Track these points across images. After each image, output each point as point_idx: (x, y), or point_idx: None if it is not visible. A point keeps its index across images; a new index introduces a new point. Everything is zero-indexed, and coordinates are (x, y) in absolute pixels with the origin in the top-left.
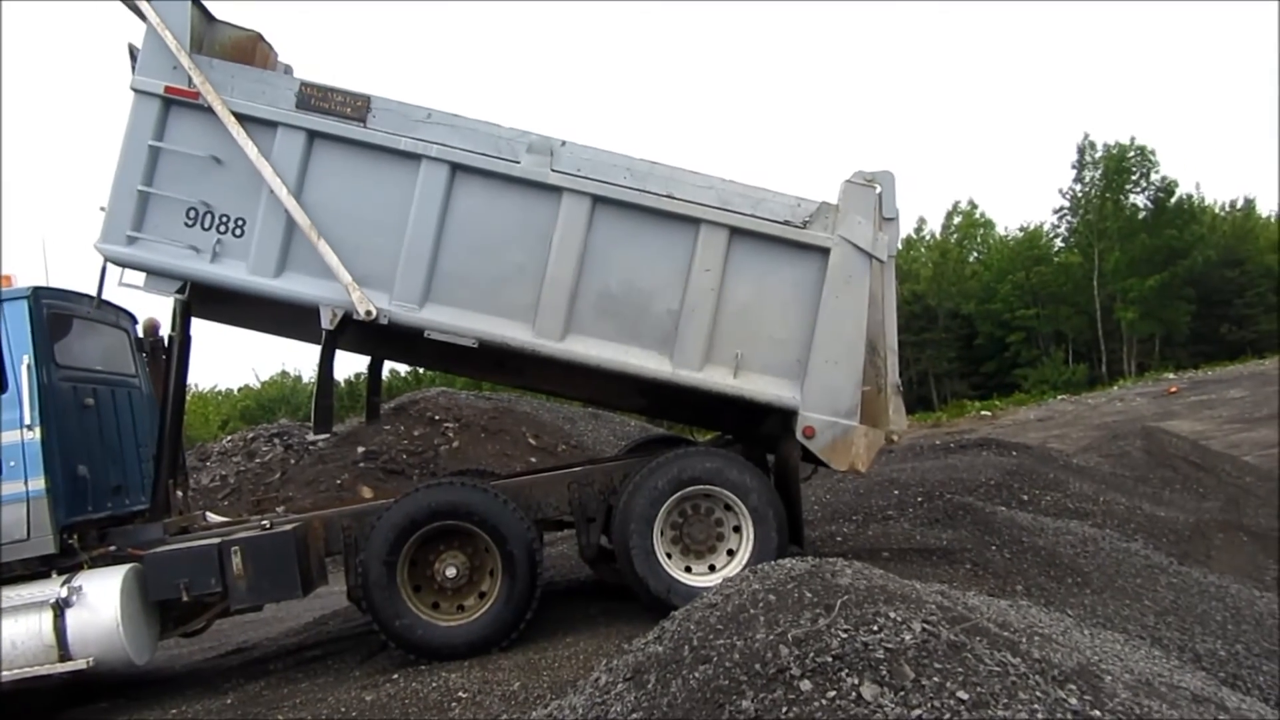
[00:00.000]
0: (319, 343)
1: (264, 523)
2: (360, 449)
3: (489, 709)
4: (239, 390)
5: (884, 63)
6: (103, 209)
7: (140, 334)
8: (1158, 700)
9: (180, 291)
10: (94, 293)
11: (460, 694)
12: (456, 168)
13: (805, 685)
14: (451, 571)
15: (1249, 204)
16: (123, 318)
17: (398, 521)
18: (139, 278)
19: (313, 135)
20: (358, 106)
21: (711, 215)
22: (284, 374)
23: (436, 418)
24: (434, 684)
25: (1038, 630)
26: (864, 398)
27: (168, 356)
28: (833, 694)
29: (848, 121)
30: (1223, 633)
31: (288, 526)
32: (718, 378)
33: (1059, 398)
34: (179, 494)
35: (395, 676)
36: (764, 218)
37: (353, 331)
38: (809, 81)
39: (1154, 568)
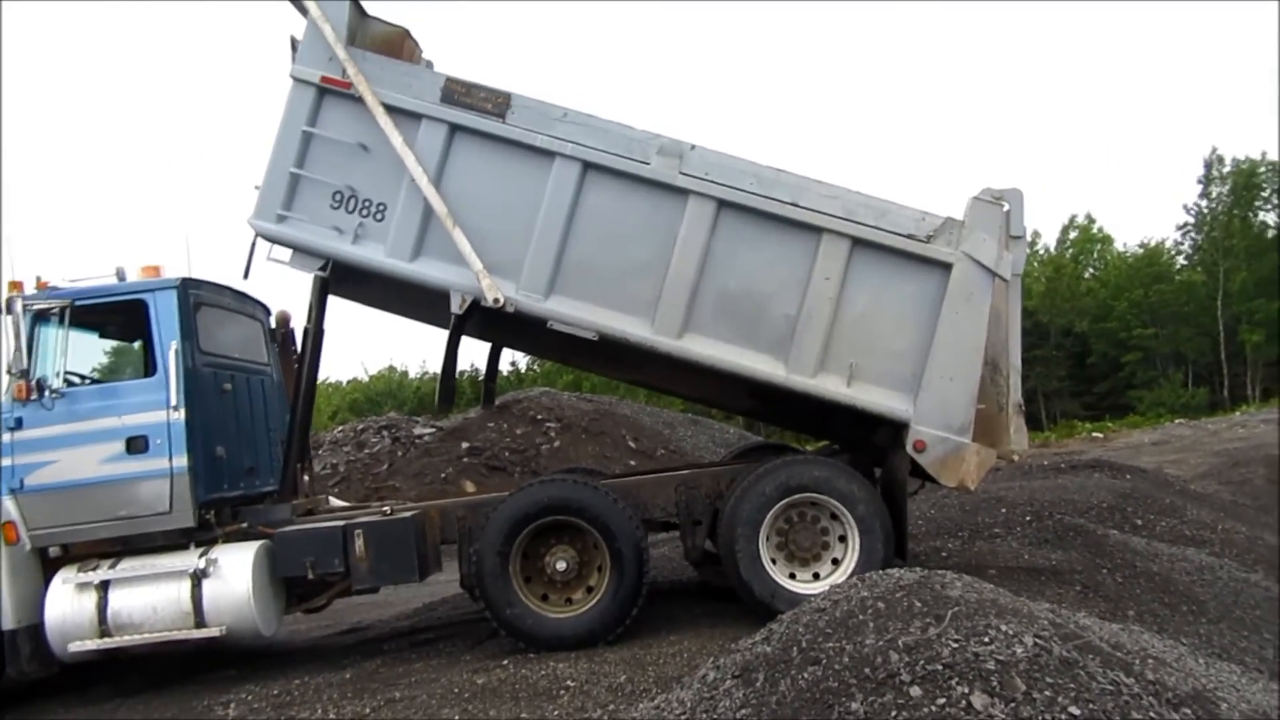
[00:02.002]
0: (446, 326)
1: (385, 509)
2: (465, 445)
3: (596, 699)
4: (347, 383)
5: (1004, 70)
6: (256, 188)
7: (273, 325)
8: None
9: (322, 269)
10: (243, 266)
11: (568, 683)
12: (588, 166)
13: (915, 691)
14: (561, 565)
15: None
16: (258, 309)
17: (513, 514)
18: (285, 254)
19: (454, 128)
20: (498, 103)
21: (835, 225)
22: (391, 368)
23: (539, 417)
24: (542, 672)
25: (1151, 654)
26: (985, 416)
27: (302, 347)
28: (942, 701)
29: (965, 130)
30: None
31: (408, 513)
32: (831, 385)
33: (1176, 421)
34: (305, 478)
35: (505, 662)
36: (888, 230)
37: (478, 318)
38: (928, 88)
39: (1275, 600)
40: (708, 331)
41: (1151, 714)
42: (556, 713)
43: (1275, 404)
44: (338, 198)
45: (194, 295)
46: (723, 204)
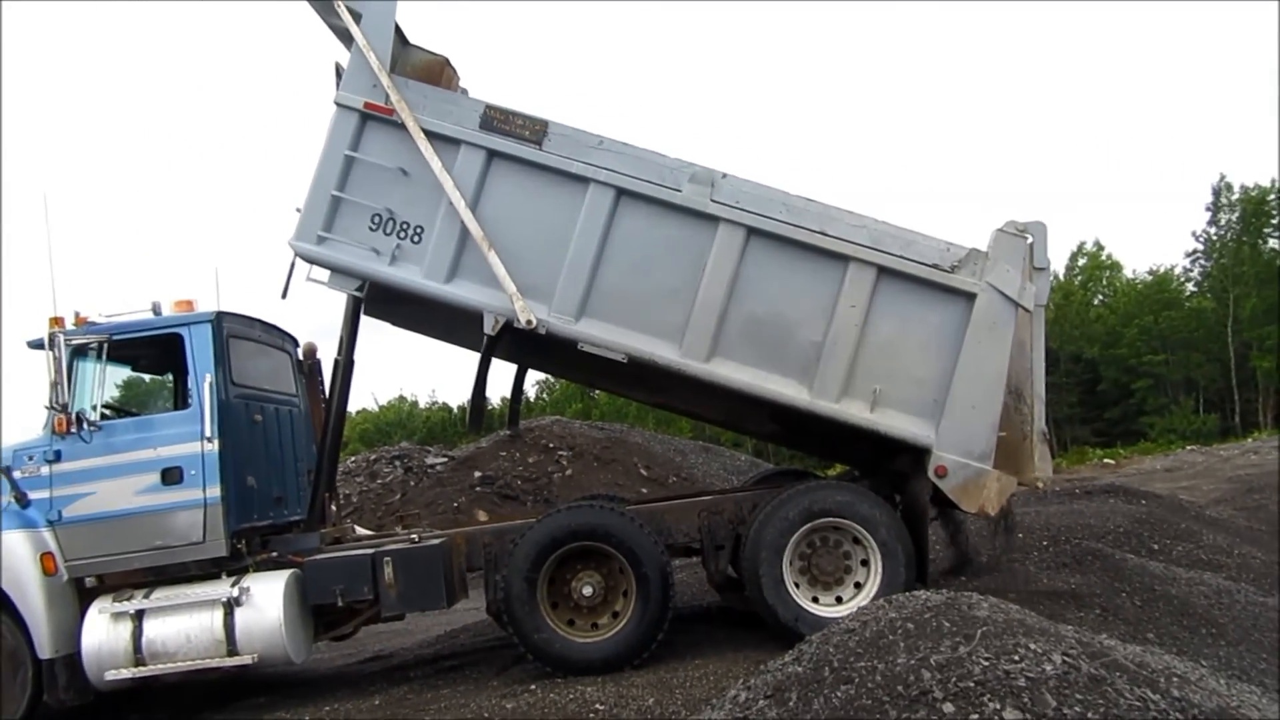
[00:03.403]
0: (477, 349)
1: (413, 536)
2: (477, 474)
3: None
4: (357, 413)
5: (1016, 98)
6: (298, 210)
7: (300, 356)
8: None
9: (358, 290)
10: (282, 286)
11: (597, 706)
12: (622, 192)
13: (948, 708)
14: (588, 590)
15: None
16: (286, 341)
17: (540, 540)
18: (323, 274)
19: (492, 154)
20: (536, 130)
21: (862, 254)
22: (401, 398)
23: (551, 445)
24: (570, 696)
25: (1175, 673)
26: (1009, 444)
27: (333, 377)
28: (975, 717)
29: (977, 156)
30: None
31: (435, 540)
32: (854, 410)
33: (1188, 448)
34: (332, 507)
35: (533, 687)
36: (913, 259)
37: (509, 340)
38: (940, 114)
39: None
40: (734, 356)
41: None
42: None
43: None
44: (376, 220)
45: (227, 328)
46: (752, 231)
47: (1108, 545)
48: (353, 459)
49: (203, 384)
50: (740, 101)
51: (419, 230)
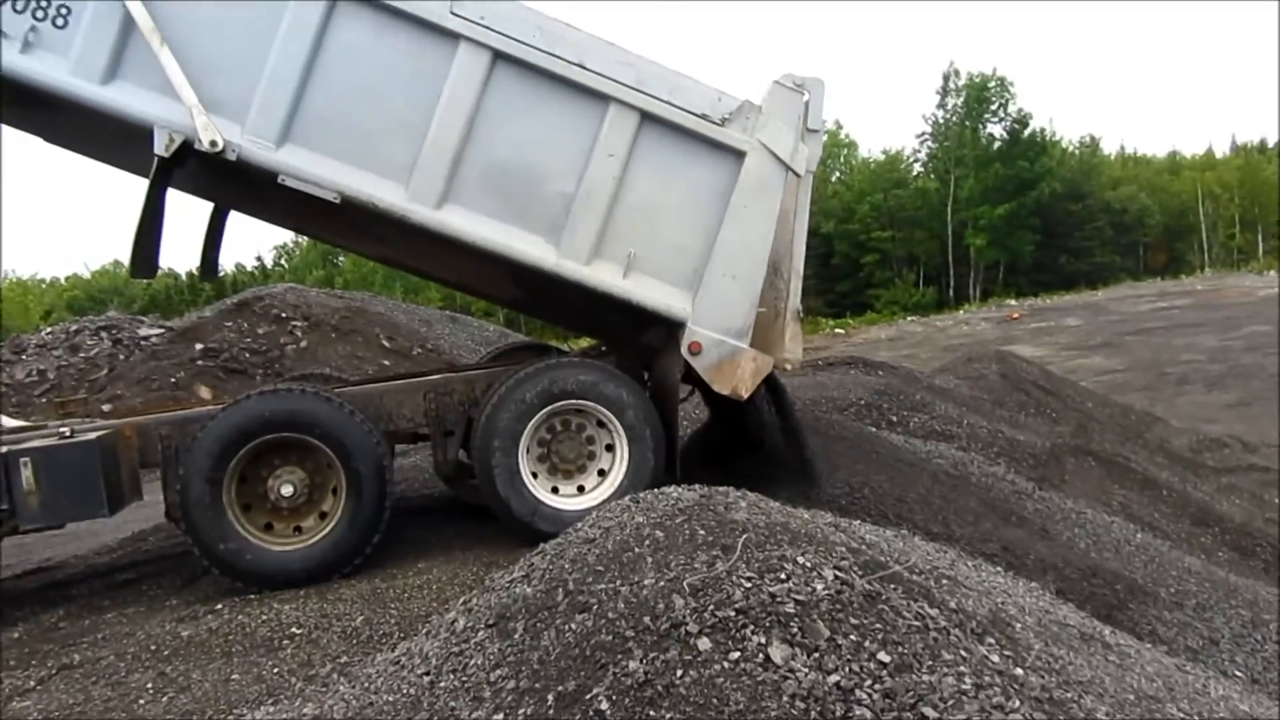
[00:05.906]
0: (148, 175)
1: (64, 429)
2: (198, 346)
3: (326, 648)
4: (66, 279)
5: None
6: None
7: None
8: (1063, 648)
9: None
10: None
11: (294, 629)
12: None
13: (704, 644)
14: (288, 489)
15: (1095, 142)
16: None
17: (225, 433)
18: None
19: None
20: None
21: (624, 94)
22: (117, 263)
23: (283, 315)
24: (264, 617)
25: (943, 574)
26: (760, 321)
27: None
28: (736, 655)
29: (716, 31)
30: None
31: (92, 435)
32: (605, 276)
33: (909, 319)
34: None
35: (219, 607)
36: (681, 107)
37: (193, 167)
38: None
39: (1020, 494)
40: (471, 204)
41: (962, 652)
42: (275, 669)
43: (993, 303)
44: None
45: None
46: (499, 56)
47: (850, 418)
48: (49, 329)
49: None
50: None
51: (64, 10)
